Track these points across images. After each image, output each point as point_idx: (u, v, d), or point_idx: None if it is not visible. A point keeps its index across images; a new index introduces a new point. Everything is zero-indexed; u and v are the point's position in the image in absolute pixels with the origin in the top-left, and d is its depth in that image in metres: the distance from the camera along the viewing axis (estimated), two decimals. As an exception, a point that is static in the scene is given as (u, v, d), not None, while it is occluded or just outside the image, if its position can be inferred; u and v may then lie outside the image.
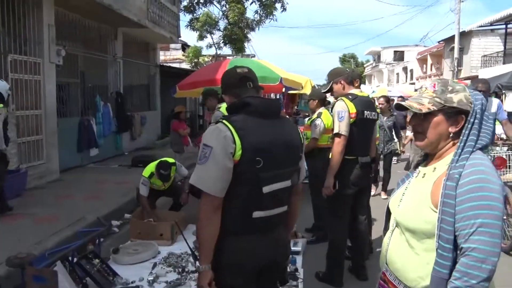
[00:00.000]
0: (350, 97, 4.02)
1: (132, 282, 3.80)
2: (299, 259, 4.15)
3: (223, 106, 5.48)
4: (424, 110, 1.61)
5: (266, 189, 1.99)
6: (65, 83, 10.27)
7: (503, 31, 23.03)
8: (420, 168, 1.74)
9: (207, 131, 2.01)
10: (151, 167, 5.71)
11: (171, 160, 5.87)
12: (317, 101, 5.83)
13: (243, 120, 1.98)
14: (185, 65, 23.40)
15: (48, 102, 8.15)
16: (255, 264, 2.07)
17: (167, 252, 4.53)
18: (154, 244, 4.65)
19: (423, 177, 1.68)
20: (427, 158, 1.76)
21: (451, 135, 1.62)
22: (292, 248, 4.33)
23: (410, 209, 1.63)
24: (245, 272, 2.05)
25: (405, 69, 42.40)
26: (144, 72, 15.17)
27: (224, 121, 1.97)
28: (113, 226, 5.85)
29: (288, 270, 3.87)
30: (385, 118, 7.55)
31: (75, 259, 3.71)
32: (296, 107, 14.66)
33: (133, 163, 9.92)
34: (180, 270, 4.05)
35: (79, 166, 10.09)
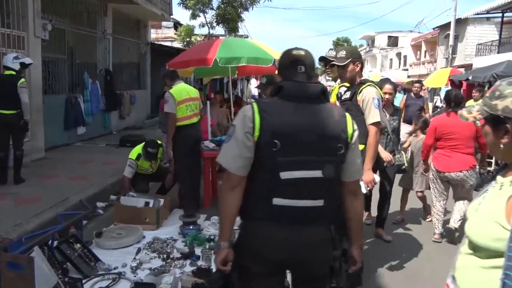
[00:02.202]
0: (373, 83, 3.77)
1: (114, 268, 3.67)
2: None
3: (173, 89, 5.46)
4: (470, 120, 1.49)
5: (284, 175, 1.90)
6: (52, 59, 9.97)
7: (499, 19, 22.91)
8: (498, 177, 1.51)
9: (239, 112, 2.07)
10: (137, 149, 5.56)
11: (159, 141, 5.72)
12: None
13: (271, 103, 2.00)
14: (177, 44, 22.97)
15: (33, 78, 7.87)
16: (274, 255, 1.97)
17: (152, 237, 4.42)
18: (138, 229, 4.52)
19: (500, 188, 1.45)
20: (506, 165, 1.53)
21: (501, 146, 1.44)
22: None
23: (480, 223, 1.43)
24: (264, 260, 1.98)
25: (398, 55, 42.21)
26: (135, 50, 14.85)
27: (253, 102, 2.03)
28: (98, 208, 5.71)
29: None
30: (387, 115, 4.80)
31: (55, 244, 3.57)
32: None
33: (121, 143, 9.73)
34: (165, 256, 3.94)
35: (66, 145, 9.88)
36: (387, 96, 4.81)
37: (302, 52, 2.13)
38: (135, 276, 3.58)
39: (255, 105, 1.96)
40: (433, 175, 4.94)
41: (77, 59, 11.18)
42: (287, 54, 2.15)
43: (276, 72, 2.24)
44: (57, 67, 10.25)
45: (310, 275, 2.09)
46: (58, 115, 9.64)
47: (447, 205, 5.03)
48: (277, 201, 1.92)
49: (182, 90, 5.57)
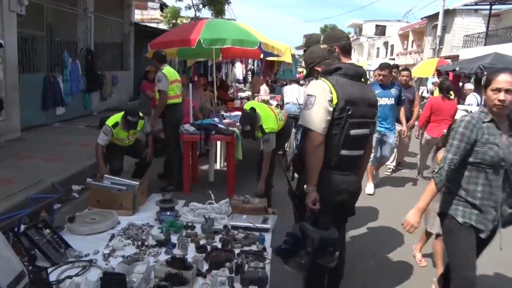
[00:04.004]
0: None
1: (85, 255, 3.47)
2: (268, 237, 3.87)
3: (164, 69, 5.83)
4: None
5: (353, 132, 2.59)
6: (29, 35, 9.60)
7: (487, 12, 22.92)
8: None
9: (310, 86, 2.72)
10: (116, 117, 5.36)
11: (141, 113, 5.51)
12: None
13: (336, 79, 2.62)
14: (163, 26, 22.51)
15: (8, 54, 7.55)
16: (342, 194, 2.71)
17: (127, 223, 4.20)
18: (113, 214, 4.30)
19: None
20: None
21: None
22: (261, 225, 4.10)
23: None
24: (332, 201, 2.70)
25: (386, 44, 42.19)
26: (118, 29, 14.45)
27: (321, 79, 2.64)
28: (73, 191, 5.50)
29: (256, 249, 3.65)
30: None
31: (22, 229, 3.37)
32: (274, 74, 14.31)
33: (101, 124, 9.40)
34: (139, 243, 3.74)
35: (44, 125, 9.59)
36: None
37: (326, 46, 2.90)
38: (106, 264, 3.39)
39: (327, 81, 2.60)
40: (425, 141, 6.98)
41: (56, 37, 10.79)
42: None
43: (311, 64, 2.89)
44: (35, 45, 9.88)
45: (351, 206, 2.92)
46: (35, 95, 9.32)
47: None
48: (343, 152, 2.62)
49: (171, 71, 6.02)
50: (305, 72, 3.36)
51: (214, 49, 7.63)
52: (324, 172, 2.61)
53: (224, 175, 5.76)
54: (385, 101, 6.12)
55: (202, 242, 3.78)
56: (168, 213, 4.37)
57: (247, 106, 5.05)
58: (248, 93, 14.12)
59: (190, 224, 4.17)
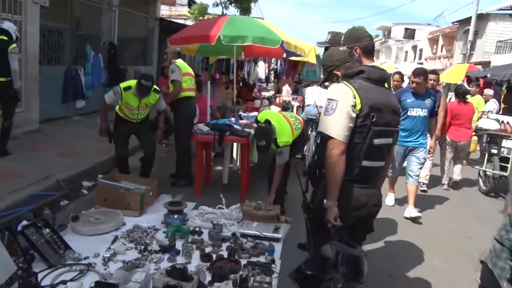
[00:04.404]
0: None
1: (85, 258, 3.31)
2: (278, 248, 3.64)
3: (178, 62, 5.92)
4: None
5: (376, 141, 2.39)
6: (53, 28, 9.59)
7: (522, 17, 22.13)
8: None
9: (331, 89, 2.46)
10: (131, 82, 5.32)
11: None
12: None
13: (359, 83, 2.41)
14: (190, 23, 22.47)
15: (30, 46, 7.52)
16: (362, 209, 2.50)
17: (133, 225, 4.04)
18: (119, 214, 4.14)
19: None
20: None
21: None
22: (272, 234, 3.87)
23: None
24: (352, 216, 2.47)
25: (414, 47, 41.36)
26: (142, 24, 14.41)
27: (343, 82, 2.42)
28: (84, 187, 5.38)
29: (264, 260, 3.43)
30: None
31: (19, 227, 3.23)
32: (298, 75, 14.02)
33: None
34: (142, 248, 3.56)
35: (63, 118, 9.58)
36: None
37: (345, 48, 2.67)
38: (105, 269, 3.22)
39: (349, 85, 2.38)
40: (446, 144, 7.07)
41: (80, 30, 10.78)
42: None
43: (329, 68, 2.73)
44: (58, 37, 9.87)
45: (370, 223, 2.68)
46: (56, 87, 9.31)
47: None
48: (365, 163, 2.41)
49: (184, 65, 6.05)
50: (322, 76, 3.10)
51: (236, 46, 7.43)
52: (344, 185, 2.38)
53: (239, 177, 5.56)
54: (417, 112, 5.50)
55: (207, 249, 3.59)
56: (175, 216, 4.19)
57: (262, 117, 4.80)
58: (272, 92, 13.88)
59: (197, 230, 3.98)
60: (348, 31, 2.97)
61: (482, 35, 25.57)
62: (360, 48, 2.73)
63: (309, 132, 6.73)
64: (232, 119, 5.98)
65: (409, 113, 5.44)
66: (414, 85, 5.45)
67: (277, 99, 10.65)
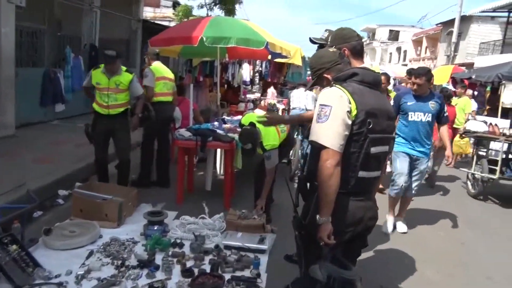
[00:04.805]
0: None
1: (56, 276, 3.09)
2: (263, 260, 3.47)
3: (154, 65, 5.81)
4: None
5: (373, 150, 2.20)
6: (30, 28, 9.28)
7: (504, 19, 22.40)
8: None
9: (323, 94, 2.23)
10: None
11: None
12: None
13: (352, 86, 2.21)
14: (174, 24, 22.21)
15: (4, 47, 7.22)
16: (358, 224, 2.30)
17: (110, 237, 3.82)
18: (95, 226, 3.93)
19: None
20: None
21: None
22: (257, 246, 3.70)
23: None
24: (347, 232, 2.27)
25: (399, 49, 41.64)
26: (125, 26, 14.11)
27: (336, 85, 2.21)
28: (60, 196, 5.13)
29: (249, 275, 3.25)
30: None
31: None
32: (283, 77, 13.88)
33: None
34: (119, 263, 3.35)
35: (42, 122, 9.26)
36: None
37: (335, 49, 2.49)
38: (78, 288, 3.00)
39: (343, 89, 2.18)
40: None
41: (59, 31, 10.47)
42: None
43: (319, 71, 2.46)
44: (36, 38, 9.55)
45: (365, 238, 2.47)
46: (34, 90, 9.01)
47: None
48: (361, 173, 2.22)
49: (160, 68, 5.88)
50: (310, 79, 2.93)
51: (219, 48, 7.23)
52: (338, 198, 2.16)
53: (223, 184, 5.36)
54: (419, 116, 4.84)
55: (189, 263, 3.39)
56: (155, 228, 3.98)
57: (246, 120, 4.59)
58: (257, 94, 13.70)
59: (178, 242, 3.78)
60: (335, 32, 2.80)
61: (465, 36, 25.79)
62: (349, 48, 2.57)
63: (295, 136, 6.56)
64: (215, 123, 5.77)
65: (409, 118, 4.86)
66: (415, 86, 4.85)
67: (262, 102, 10.49)
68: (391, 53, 43.77)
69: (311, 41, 3.11)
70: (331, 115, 2.11)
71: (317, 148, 2.16)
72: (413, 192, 5.06)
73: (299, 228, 2.39)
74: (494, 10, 21.64)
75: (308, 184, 2.39)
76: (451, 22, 24.40)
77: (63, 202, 4.98)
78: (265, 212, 4.42)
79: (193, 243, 3.72)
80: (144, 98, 5.37)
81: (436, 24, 30.51)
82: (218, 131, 5.22)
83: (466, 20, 24.61)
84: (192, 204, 4.85)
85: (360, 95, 2.18)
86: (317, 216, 2.17)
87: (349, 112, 2.13)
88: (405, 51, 39.47)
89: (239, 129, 4.87)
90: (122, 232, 4.05)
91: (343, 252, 2.36)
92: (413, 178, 4.98)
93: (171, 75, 6.03)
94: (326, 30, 3.05)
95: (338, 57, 2.42)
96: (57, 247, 3.56)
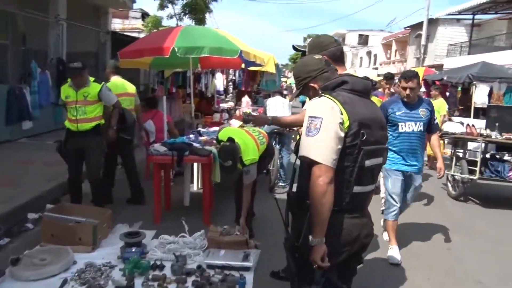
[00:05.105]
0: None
1: (25, 311, 2.87)
2: (249, 279, 3.29)
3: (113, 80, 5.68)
4: None
5: (367, 163, 2.05)
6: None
7: (468, 22, 23.06)
8: None
9: (312, 105, 2.08)
10: None
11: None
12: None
13: (343, 96, 2.07)
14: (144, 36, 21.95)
15: (-37, 64, 6.86)
16: (354, 243, 2.14)
17: (85, 263, 3.57)
18: (68, 252, 3.67)
19: None
20: None
21: None
22: (241, 263, 3.52)
23: None
24: (343, 251, 2.12)
25: (369, 53, 42.29)
26: (93, 38, 13.83)
27: (325, 95, 2.07)
28: (29, 220, 4.85)
29: (234, 296, 3.08)
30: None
31: None
32: (257, 85, 13.80)
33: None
34: (95, 292, 3.13)
35: (8, 141, 8.88)
36: None
37: (321, 56, 2.32)
38: (50, 324, 2.77)
39: (333, 98, 2.04)
40: None
41: (23, 46, 10.09)
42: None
43: (305, 80, 2.31)
44: (-2, 54, 9.19)
45: (360, 255, 2.31)
46: (-2, 108, 8.62)
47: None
48: (356, 189, 2.07)
49: (118, 83, 5.77)
50: (294, 89, 2.75)
51: (192, 58, 7.07)
52: (332, 216, 2.01)
53: (202, 199, 5.18)
54: (410, 126, 4.36)
55: (171, 287, 3.21)
56: (133, 250, 3.74)
57: (223, 135, 4.44)
58: (231, 103, 13.56)
59: (158, 264, 3.57)
60: (311, 41, 2.68)
61: (433, 39, 26.38)
62: (328, 56, 2.44)
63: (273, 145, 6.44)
64: (191, 136, 5.58)
65: (400, 129, 4.37)
66: (407, 91, 4.32)
67: (237, 112, 10.35)
68: (361, 57, 44.42)
69: (295, 48, 3.00)
70: (322, 127, 1.97)
71: (308, 164, 2.02)
72: (409, 203, 4.74)
73: (292, 250, 2.22)
74: (459, 13, 22.21)
75: (298, 202, 2.22)
76: (419, 25, 24.94)
77: (32, 227, 4.71)
78: (247, 227, 4.27)
79: (174, 265, 3.52)
80: (120, 108, 5.16)
81: (405, 28, 31.16)
82: (195, 144, 5.05)
83: (433, 23, 25.21)
84: (170, 222, 4.67)
85: (352, 104, 2.05)
86: (310, 237, 2.03)
87: (341, 123, 1.99)
88: (375, 55, 40.11)
89: (215, 141, 4.72)
90: (97, 256, 3.81)
91: (338, 273, 2.21)
92: (408, 194, 4.58)
93: (131, 89, 5.89)
94: (308, 35, 2.95)
95: (325, 65, 2.28)
96: (26, 277, 3.30)
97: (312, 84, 2.28)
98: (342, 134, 1.99)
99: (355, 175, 2.04)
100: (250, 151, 4.25)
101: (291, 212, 2.30)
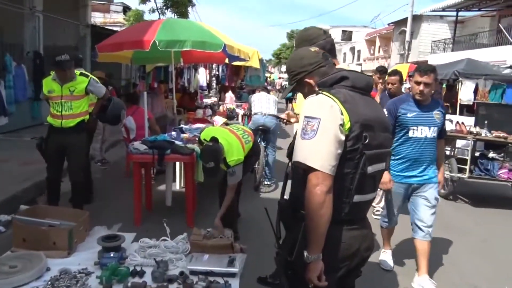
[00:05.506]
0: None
1: (-9, 325, 2.64)
2: (234, 286, 3.12)
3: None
4: None
5: (370, 169, 1.84)
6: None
7: (452, 18, 23.25)
8: None
9: (309, 103, 1.85)
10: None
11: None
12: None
13: (343, 93, 1.85)
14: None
15: None
16: (353, 258, 1.94)
17: (59, 269, 3.34)
18: (41, 258, 3.43)
19: None
20: None
21: None
22: (226, 269, 3.34)
23: None
24: (341, 267, 1.92)
25: (352, 49, 42.43)
26: (72, 32, 13.46)
27: (323, 93, 1.85)
28: (1, 222, 4.60)
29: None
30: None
31: None
32: (241, 80, 13.60)
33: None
34: (69, 302, 2.91)
35: (-18, 138, 8.50)
36: None
37: (317, 48, 2.08)
38: None
39: (333, 96, 1.82)
40: None
41: (-3, 39, 9.71)
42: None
43: (300, 75, 2.05)
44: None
45: (357, 276, 2.11)
46: (-30, 104, 8.25)
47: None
48: (357, 198, 1.86)
49: None
50: (286, 85, 2.54)
51: (174, 52, 6.83)
52: (330, 229, 1.79)
53: (184, 198, 4.98)
54: (423, 131, 3.75)
55: (151, 296, 3.01)
56: (111, 254, 3.52)
57: (206, 135, 4.24)
58: (214, 99, 13.34)
59: (138, 270, 3.36)
60: (299, 34, 2.49)
61: (417, 35, 26.51)
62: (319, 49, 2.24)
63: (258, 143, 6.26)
64: (173, 133, 5.35)
65: (410, 134, 3.76)
66: (421, 87, 3.63)
67: (221, 108, 10.14)
68: (345, 53, 44.55)
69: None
70: (319, 129, 1.74)
71: (303, 170, 1.79)
72: (425, 233, 3.86)
73: (285, 267, 2.00)
74: (443, 10, 22.34)
75: (291, 212, 2.01)
76: (402, 22, 25.04)
77: (4, 230, 4.46)
78: (232, 229, 4.08)
79: (155, 271, 3.32)
80: (105, 96, 4.92)
81: (388, 24, 31.26)
82: (177, 142, 4.83)
83: (417, 19, 25.36)
84: (152, 224, 4.47)
85: (353, 103, 1.82)
86: (305, 253, 1.81)
87: (342, 125, 1.76)
88: (359, 51, 40.26)
89: (197, 139, 4.52)
90: (73, 262, 3.58)
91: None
92: (422, 213, 3.85)
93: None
94: (292, 32, 2.73)
95: (322, 58, 2.03)
96: (-6, 287, 3.08)
97: (307, 80, 2.03)
98: (343, 137, 1.77)
99: (356, 183, 1.82)
100: (235, 151, 4.06)
101: (283, 223, 2.08)
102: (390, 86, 5.44)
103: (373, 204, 5.43)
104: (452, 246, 4.86)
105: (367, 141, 1.80)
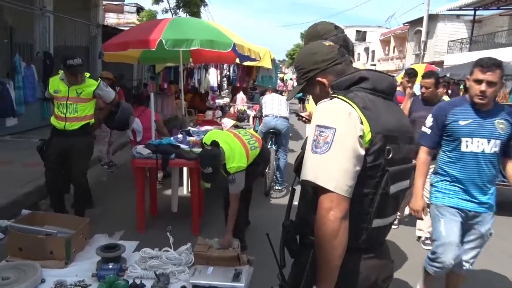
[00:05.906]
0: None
1: None
2: (240, 302, 2.90)
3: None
4: None
5: (392, 188, 1.54)
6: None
7: (469, 17, 22.78)
8: None
9: (322, 109, 1.53)
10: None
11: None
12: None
13: (362, 98, 1.53)
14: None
15: None
16: None
17: (55, 281, 3.16)
18: (36, 268, 3.25)
19: None
20: None
21: None
22: (231, 284, 3.13)
23: None
24: None
25: (366, 49, 42.03)
26: (83, 32, 13.35)
27: (339, 96, 1.52)
28: (1, 228, 4.42)
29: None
30: None
31: None
32: (253, 81, 13.38)
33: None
34: (63, 318, 2.72)
35: (-9, 139, 8.43)
36: None
37: (331, 43, 1.75)
38: None
39: (350, 100, 1.50)
40: None
41: (5, 39, 9.62)
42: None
43: (311, 73, 1.71)
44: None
45: None
46: (-21, 105, 8.17)
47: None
48: (376, 222, 1.56)
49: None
50: (295, 85, 2.28)
51: (182, 52, 6.63)
52: (344, 259, 1.48)
53: (191, 203, 4.77)
54: (480, 145, 2.91)
55: (150, 313, 2.81)
56: (110, 266, 3.33)
57: (208, 139, 4.03)
58: (227, 99, 13.14)
59: (138, 283, 3.16)
60: (308, 30, 2.24)
61: (433, 35, 26.06)
62: None
63: (269, 147, 6.01)
64: (179, 136, 5.12)
65: (464, 148, 2.95)
66: (482, 87, 2.79)
67: (232, 109, 9.92)
68: (359, 54, 44.15)
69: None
70: (334, 142, 1.43)
71: (313, 189, 1.50)
72: (469, 266, 3.18)
73: None
74: (460, 9, 21.89)
75: (298, 237, 1.71)
76: (418, 21, 24.63)
77: (3, 236, 4.28)
78: (239, 238, 3.85)
79: (155, 285, 3.12)
80: (114, 101, 4.77)
81: (403, 24, 30.81)
82: (182, 146, 4.61)
83: (432, 19, 24.92)
84: (155, 231, 4.26)
85: (374, 110, 1.51)
86: None
87: (361, 137, 1.45)
88: (373, 51, 39.87)
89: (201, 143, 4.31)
90: (70, 273, 3.39)
91: None
92: (468, 246, 3.10)
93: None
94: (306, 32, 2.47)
95: (338, 54, 1.70)
96: (-16, 300, 2.90)
97: (320, 79, 1.70)
98: (362, 152, 1.45)
99: (376, 205, 1.51)
100: (236, 158, 3.83)
101: (287, 249, 1.76)
102: (424, 90, 4.81)
103: (421, 228, 4.79)
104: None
105: (390, 155, 1.51)
